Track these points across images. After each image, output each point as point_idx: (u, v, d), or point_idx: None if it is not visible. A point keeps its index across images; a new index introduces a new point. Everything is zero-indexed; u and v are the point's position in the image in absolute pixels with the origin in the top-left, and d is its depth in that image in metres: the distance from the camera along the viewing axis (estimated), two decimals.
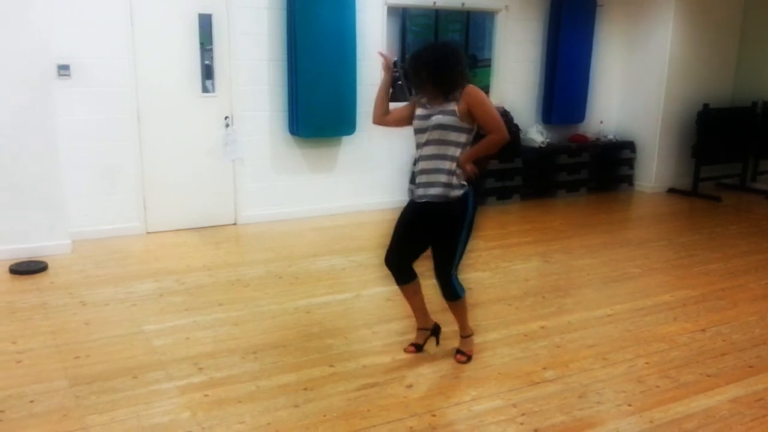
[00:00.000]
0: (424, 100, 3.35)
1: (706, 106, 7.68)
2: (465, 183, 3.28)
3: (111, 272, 4.84)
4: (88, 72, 5.44)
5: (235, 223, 6.30)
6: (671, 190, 8.16)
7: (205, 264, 5.08)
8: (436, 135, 3.25)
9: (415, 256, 3.49)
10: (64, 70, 5.33)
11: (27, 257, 4.96)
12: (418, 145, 3.36)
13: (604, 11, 7.92)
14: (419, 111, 3.36)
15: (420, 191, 3.32)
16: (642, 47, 8.03)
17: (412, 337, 3.73)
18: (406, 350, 3.63)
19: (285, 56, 6.24)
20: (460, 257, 3.38)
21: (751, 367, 3.52)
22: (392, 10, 8.48)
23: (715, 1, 7.99)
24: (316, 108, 6.23)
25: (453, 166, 3.24)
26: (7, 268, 4.77)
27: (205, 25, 5.92)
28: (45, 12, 4.98)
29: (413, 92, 3.44)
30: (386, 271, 4.91)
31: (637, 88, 8.15)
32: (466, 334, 3.60)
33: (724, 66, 8.29)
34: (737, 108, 8.06)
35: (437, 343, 3.68)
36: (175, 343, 3.65)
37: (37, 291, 4.41)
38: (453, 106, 3.22)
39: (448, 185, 3.24)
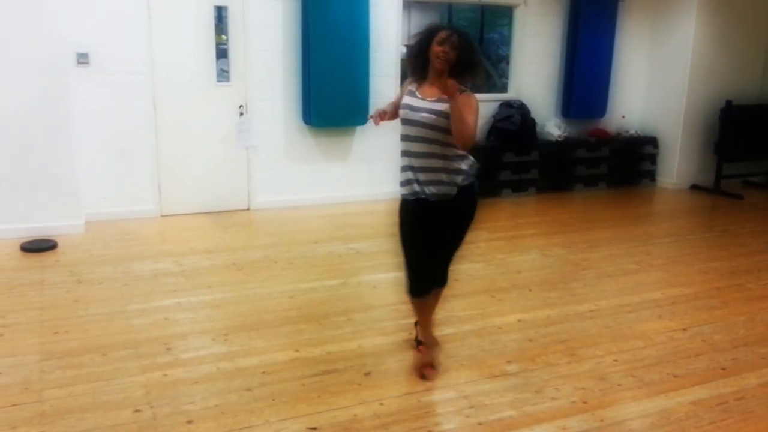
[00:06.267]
0: (413, 87, 3.07)
1: (728, 102, 7.45)
2: (469, 173, 3.07)
3: (115, 252, 5.04)
4: (106, 60, 5.68)
5: (248, 209, 6.47)
6: (693, 187, 7.94)
7: (208, 247, 5.24)
8: (427, 133, 2.99)
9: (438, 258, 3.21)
10: (83, 58, 5.59)
11: (41, 236, 5.22)
12: (407, 137, 3.05)
13: (626, 5, 7.76)
14: (408, 99, 3.05)
15: (425, 189, 3.04)
16: (665, 42, 7.83)
17: (388, 324, 3.81)
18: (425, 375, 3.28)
19: (299, 47, 6.35)
20: None
21: (723, 369, 3.45)
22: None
23: None
24: (329, 98, 6.31)
25: (452, 163, 3.01)
26: (18, 246, 5.03)
27: (221, 16, 6.08)
28: (64, 2, 5.24)
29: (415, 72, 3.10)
30: (380, 260, 5.03)
31: (660, 83, 7.95)
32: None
33: (751, 62, 8.01)
34: (763, 105, 7.77)
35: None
36: (153, 323, 3.78)
37: (40, 268, 4.63)
38: (445, 107, 2.91)
39: (454, 183, 3.03)
